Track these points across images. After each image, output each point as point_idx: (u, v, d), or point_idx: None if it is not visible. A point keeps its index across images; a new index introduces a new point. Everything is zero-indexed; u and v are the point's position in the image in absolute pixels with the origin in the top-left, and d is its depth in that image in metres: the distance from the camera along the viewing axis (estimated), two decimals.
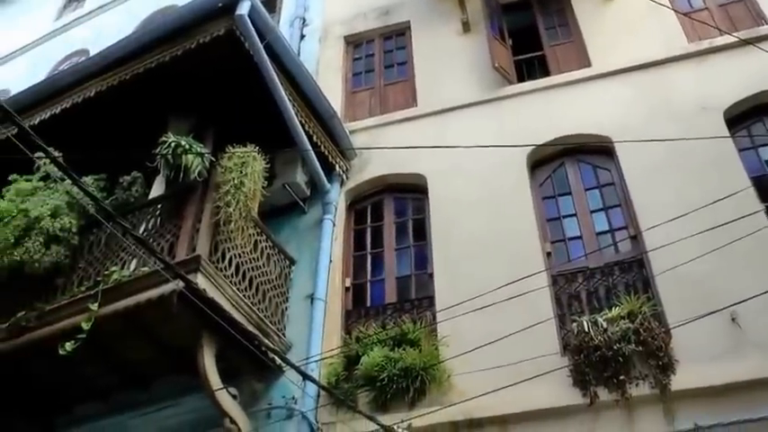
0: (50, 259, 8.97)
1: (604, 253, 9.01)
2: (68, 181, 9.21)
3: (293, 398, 8.74)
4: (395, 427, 7.85)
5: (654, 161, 9.18)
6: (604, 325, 7.90)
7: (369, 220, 10.71)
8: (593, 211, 9.50)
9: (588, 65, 11.00)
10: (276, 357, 8.67)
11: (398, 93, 12.29)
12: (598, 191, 9.67)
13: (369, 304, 9.84)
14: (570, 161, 10.02)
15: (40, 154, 8.99)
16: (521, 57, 12.14)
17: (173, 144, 8.83)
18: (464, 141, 9.41)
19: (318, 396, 8.69)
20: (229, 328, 7.94)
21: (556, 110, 10.44)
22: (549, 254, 9.13)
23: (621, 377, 7.61)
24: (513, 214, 9.47)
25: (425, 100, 11.69)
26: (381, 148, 10.28)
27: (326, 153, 10.48)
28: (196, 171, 8.81)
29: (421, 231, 10.14)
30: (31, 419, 10.25)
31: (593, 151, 9.96)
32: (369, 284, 10.04)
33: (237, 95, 9.84)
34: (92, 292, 8.48)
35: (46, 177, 9.56)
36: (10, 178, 9.59)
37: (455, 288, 8.70)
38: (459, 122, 10.84)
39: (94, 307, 8.29)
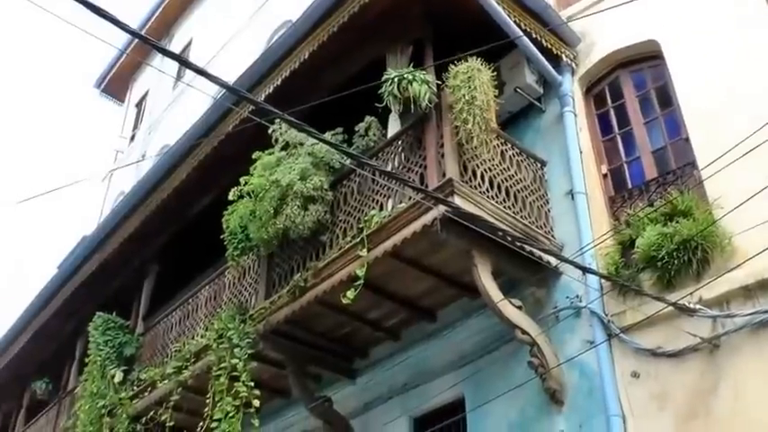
0: (311, 218, 9.31)
1: None
2: (309, 143, 9.49)
3: (577, 296, 8.61)
4: (685, 303, 7.52)
5: None
6: None
7: (609, 102, 10.15)
8: None
9: None
10: (551, 259, 8.55)
11: None
12: None
13: (630, 186, 9.38)
14: None
15: (276, 125, 9.45)
16: None
17: (396, 79, 8.79)
18: None
19: (601, 288, 8.42)
20: (499, 240, 7.91)
21: None
22: None
23: None
24: (762, 50, 8.61)
25: None
26: (605, 10, 9.48)
27: (549, 46, 10.06)
28: (426, 98, 8.69)
29: (666, 98, 9.49)
30: (334, 367, 10.89)
31: None
32: (625, 166, 9.57)
33: (445, 14, 9.64)
34: (358, 240, 8.75)
35: (286, 146, 9.88)
36: (254, 156, 9.95)
37: (715, 144, 7.82)
38: None
39: (363, 253, 8.56)
